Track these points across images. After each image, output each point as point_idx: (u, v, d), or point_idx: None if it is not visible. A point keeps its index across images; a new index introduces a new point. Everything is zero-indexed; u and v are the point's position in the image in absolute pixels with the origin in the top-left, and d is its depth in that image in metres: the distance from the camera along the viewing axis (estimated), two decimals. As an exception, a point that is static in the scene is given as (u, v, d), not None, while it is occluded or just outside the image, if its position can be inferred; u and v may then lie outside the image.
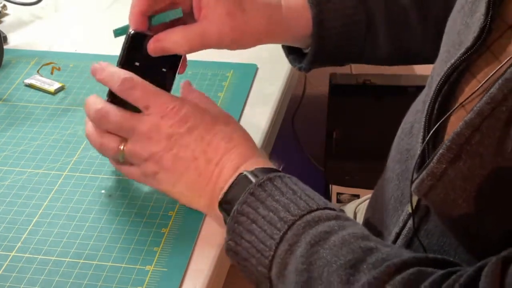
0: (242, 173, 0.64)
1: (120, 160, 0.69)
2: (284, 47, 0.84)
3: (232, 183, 0.64)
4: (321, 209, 0.60)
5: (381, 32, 0.81)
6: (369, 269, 0.52)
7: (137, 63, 0.69)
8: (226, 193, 0.64)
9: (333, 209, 0.60)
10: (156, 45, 0.69)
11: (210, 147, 0.66)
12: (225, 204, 0.63)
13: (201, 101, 0.70)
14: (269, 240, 0.59)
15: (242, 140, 0.68)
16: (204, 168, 0.66)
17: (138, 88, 0.67)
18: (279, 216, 0.59)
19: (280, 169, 0.66)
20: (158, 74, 0.70)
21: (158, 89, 0.68)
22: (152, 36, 0.69)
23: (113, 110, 0.68)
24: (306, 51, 0.81)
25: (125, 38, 0.70)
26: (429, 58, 0.76)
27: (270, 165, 0.66)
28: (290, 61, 0.84)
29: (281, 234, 0.58)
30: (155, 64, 0.70)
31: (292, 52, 0.83)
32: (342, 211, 0.62)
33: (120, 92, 0.68)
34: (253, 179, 0.62)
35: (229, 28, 0.71)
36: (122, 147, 0.68)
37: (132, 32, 0.69)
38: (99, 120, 0.69)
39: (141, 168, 0.68)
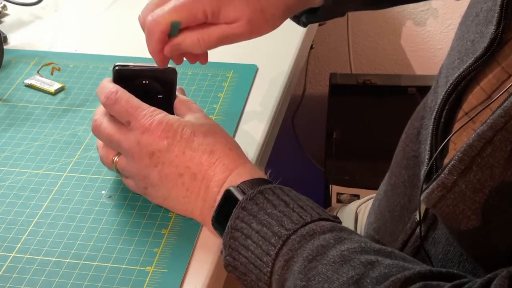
0: (228, 189, 0.63)
1: (116, 172, 0.70)
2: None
3: (220, 201, 0.63)
4: (315, 221, 0.58)
5: None
6: (372, 284, 0.51)
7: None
8: (216, 212, 0.63)
9: (327, 219, 0.59)
10: (173, 48, 0.68)
11: (192, 162, 0.65)
12: (217, 223, 0.63)
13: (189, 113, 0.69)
14: (265, 257, 0.58)
15: (225, 150, 0.66)
16: (190, 184, 0.65)
17: (121, 103, 0.67)
18: (273, 231, 0.58)
19: (268, 176, 0.65)
20: (154, 102, 0.69)
21: (140, 103, 0.67)
22: (134, 69, 0.69)
23: (105, 122, 0.68)
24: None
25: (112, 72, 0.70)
26: None
27: (258, 173, 0.65)
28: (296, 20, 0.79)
29: (276, 250, 0.57)
30: (149, 93, 0.70)
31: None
32: (337, 218, 0.60)
33: (105, 106, 0.68)
34: (238, 196, 0.61)
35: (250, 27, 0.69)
36: (115, 160, 0.69)
37: (117, 67, 0.70)
38: (94, 132, 0.70)
39: (133, 181, 0.69)
